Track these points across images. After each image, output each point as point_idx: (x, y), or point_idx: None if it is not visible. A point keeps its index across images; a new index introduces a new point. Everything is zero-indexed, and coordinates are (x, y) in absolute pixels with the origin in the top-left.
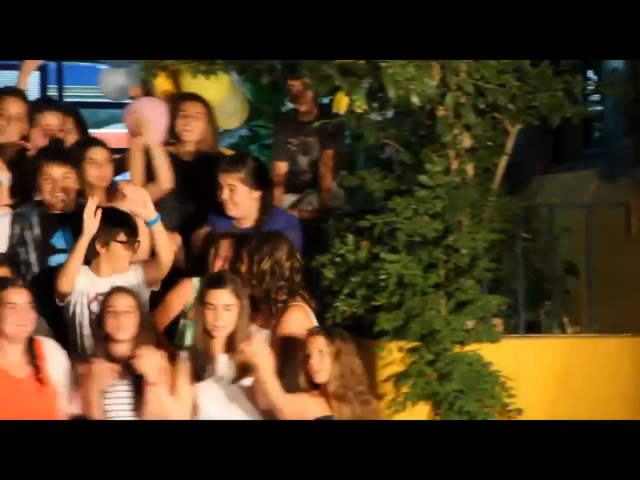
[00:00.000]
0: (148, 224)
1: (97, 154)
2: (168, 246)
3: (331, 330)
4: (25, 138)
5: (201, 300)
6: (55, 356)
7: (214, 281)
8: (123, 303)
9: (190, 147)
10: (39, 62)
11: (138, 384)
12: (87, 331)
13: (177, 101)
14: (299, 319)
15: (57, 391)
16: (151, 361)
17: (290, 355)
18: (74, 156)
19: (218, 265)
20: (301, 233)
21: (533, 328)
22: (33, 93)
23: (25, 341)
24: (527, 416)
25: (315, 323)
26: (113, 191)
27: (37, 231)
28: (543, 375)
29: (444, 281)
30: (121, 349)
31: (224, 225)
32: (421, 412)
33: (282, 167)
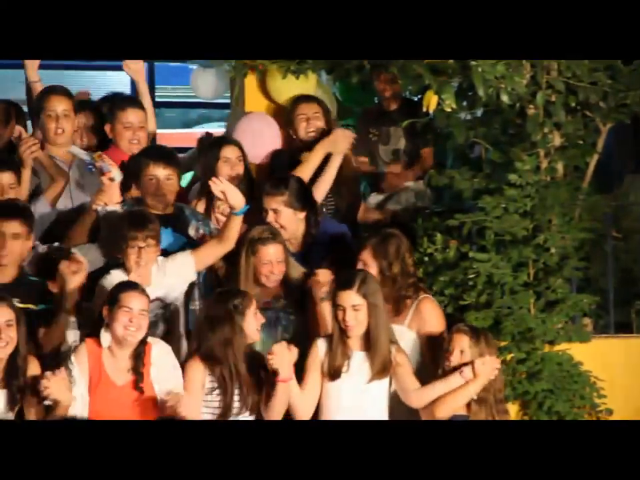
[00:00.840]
0: (236, 212)
1: (229, 152)
2: (236, 236)
3: (477, 330)
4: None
5: (332, 301)
6: (163, 360)
7: (342, 282)
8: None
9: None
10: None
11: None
12: None
13: (293, 105)
14: (435, 311)
15: (156, 398)
16: (284, 357)
17: (432, 348)
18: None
19: (264, 271)
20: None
21: (623, 328)
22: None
23: (135, 345)
24: (617, 416)
25: (443, 315)
26: None
27: None
28: (633, 375)
29: (533, 280)
30: None
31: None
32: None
33: (364, 162)
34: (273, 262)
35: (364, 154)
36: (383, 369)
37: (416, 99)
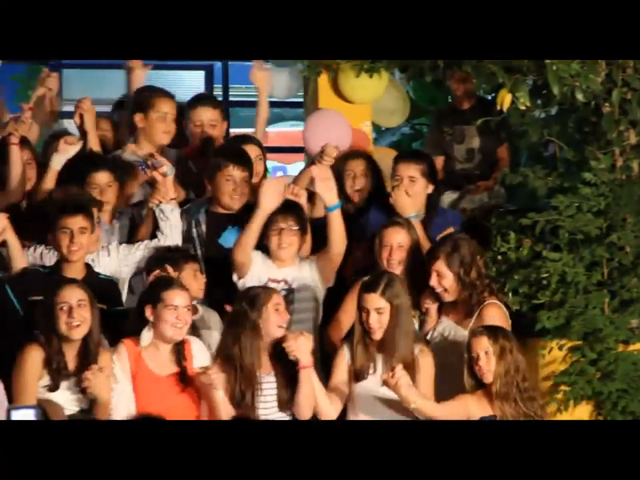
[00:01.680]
0: (328, 209)
1: (251, 151)
2: (342, 235)
3: (494, 328)
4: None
5: (358, 303)
6: (201, 357)
7: (367, 285)
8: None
9: None
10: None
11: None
12: None
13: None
14: (499, 317)
15: (198, 390)
16: (304, 344)
17: None
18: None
19: (385, 255)
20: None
21: None
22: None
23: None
24: None
25: (508, 320)
26: None
27: (204, 228)
28: None
29: (607, 279)
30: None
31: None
32: (582, 412)
33: (438, 161)
34: (393, 246)
35: (438, 153)
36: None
37: (490, 97)
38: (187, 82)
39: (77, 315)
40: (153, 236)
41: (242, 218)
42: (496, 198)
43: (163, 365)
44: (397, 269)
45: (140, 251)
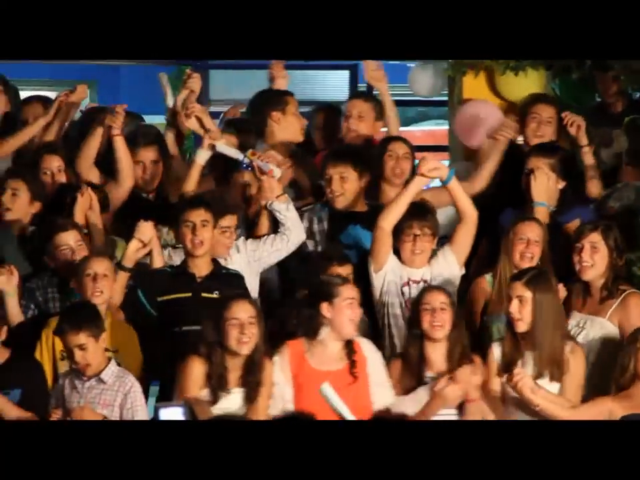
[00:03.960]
0: (444, 182)
1: (397, 148)
2: (468, 201)
3: (528, 272)
4: None
5: (506, 293)
6: (374, 356)
7: (515, 274)
8: (438, 299)
9: None
10: None
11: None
12: (396, 310)
13: (528, 103)
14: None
15: (368, 389)
16: (470, 378)
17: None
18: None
19: (519, 248)
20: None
21: None
22: (343, 92)
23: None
24: None
25: None
26: None
27: (325, 225)
28: None
29: None
30: (435, 349)
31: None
32: None
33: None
34: (530, 240)
35: None
36: (550, 369)
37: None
38: (331, 82)
39: (247, 331)
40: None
41: (366, 216)
42: None
43: (328, 362)
44: (530, 263)
45: (267, 245)
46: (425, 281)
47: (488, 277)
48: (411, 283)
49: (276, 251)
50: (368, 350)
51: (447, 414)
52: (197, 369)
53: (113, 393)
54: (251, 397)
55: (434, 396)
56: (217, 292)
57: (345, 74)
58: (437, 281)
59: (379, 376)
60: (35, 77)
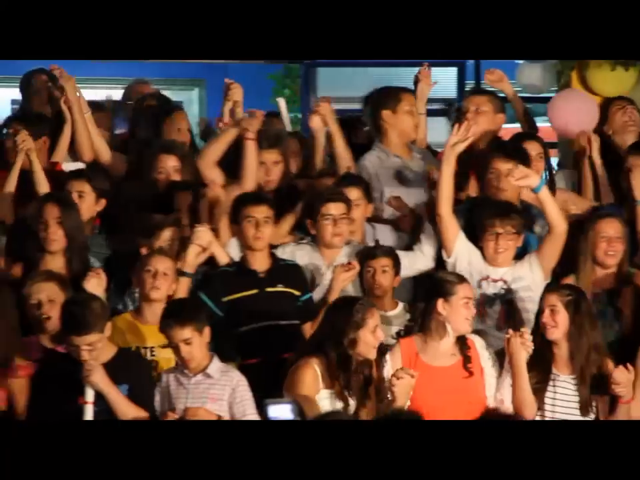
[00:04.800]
0: (534, 190)
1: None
2: (558, 213)
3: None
4: None
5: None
6: (486, 353)
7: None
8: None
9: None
10: None
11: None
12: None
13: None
14: None
15: (483, 385)
16: (629, 381)
17: None
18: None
19: (603, 246)
20: None
21: None
22: (450, 90)
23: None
24: None
25: None
26: None
27: None
28: None
29: None
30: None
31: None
32: None
33: None
34: (612, 238)
35: None
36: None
37: None
38: (439, 78)
39: (378, 334)
40: None
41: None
42: None
43: (442, 358)
44: (614, 260)
45: None
46: (505, 281)
47: (573, 278)
48: (489, 279)
49: None
50: (480, 346)
51: (571, 414)
52: (313, 371)
53: (221, 387)
54: (362, 397)
55: None
56: (280, 285)
57: (453, 71)
58: (516, 283)
59: (492, 370)
60: (147, 76)
